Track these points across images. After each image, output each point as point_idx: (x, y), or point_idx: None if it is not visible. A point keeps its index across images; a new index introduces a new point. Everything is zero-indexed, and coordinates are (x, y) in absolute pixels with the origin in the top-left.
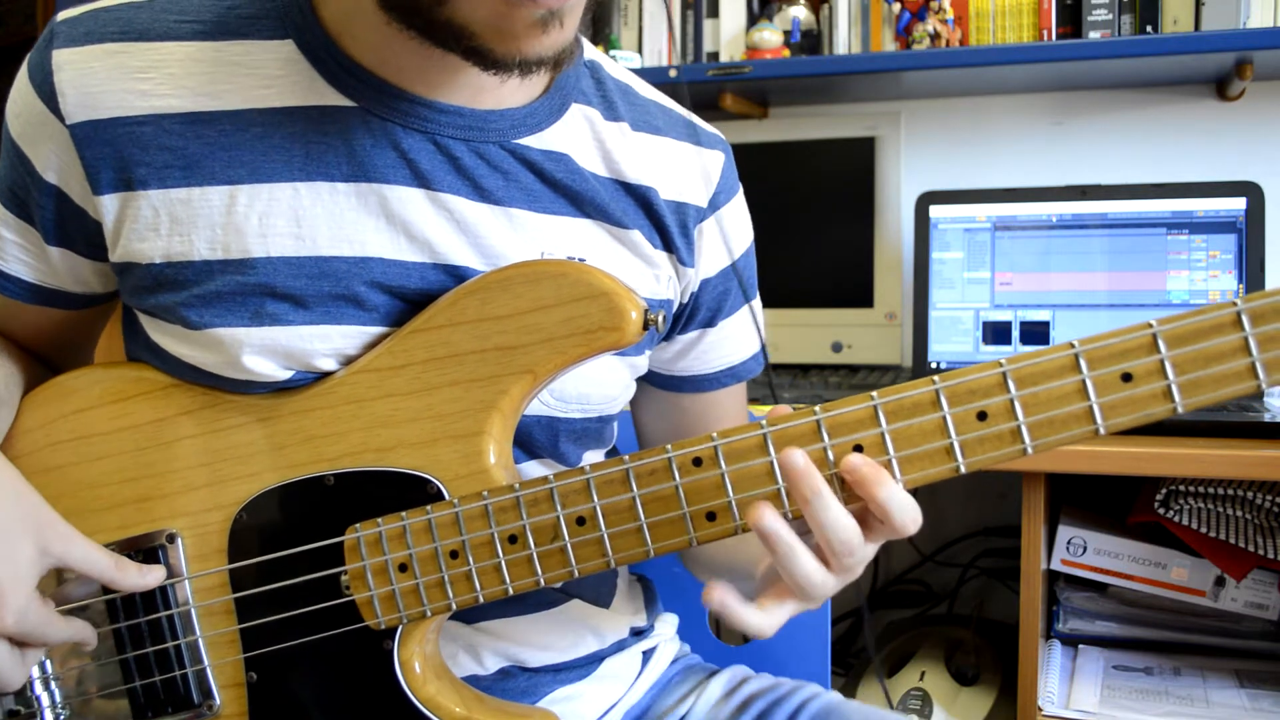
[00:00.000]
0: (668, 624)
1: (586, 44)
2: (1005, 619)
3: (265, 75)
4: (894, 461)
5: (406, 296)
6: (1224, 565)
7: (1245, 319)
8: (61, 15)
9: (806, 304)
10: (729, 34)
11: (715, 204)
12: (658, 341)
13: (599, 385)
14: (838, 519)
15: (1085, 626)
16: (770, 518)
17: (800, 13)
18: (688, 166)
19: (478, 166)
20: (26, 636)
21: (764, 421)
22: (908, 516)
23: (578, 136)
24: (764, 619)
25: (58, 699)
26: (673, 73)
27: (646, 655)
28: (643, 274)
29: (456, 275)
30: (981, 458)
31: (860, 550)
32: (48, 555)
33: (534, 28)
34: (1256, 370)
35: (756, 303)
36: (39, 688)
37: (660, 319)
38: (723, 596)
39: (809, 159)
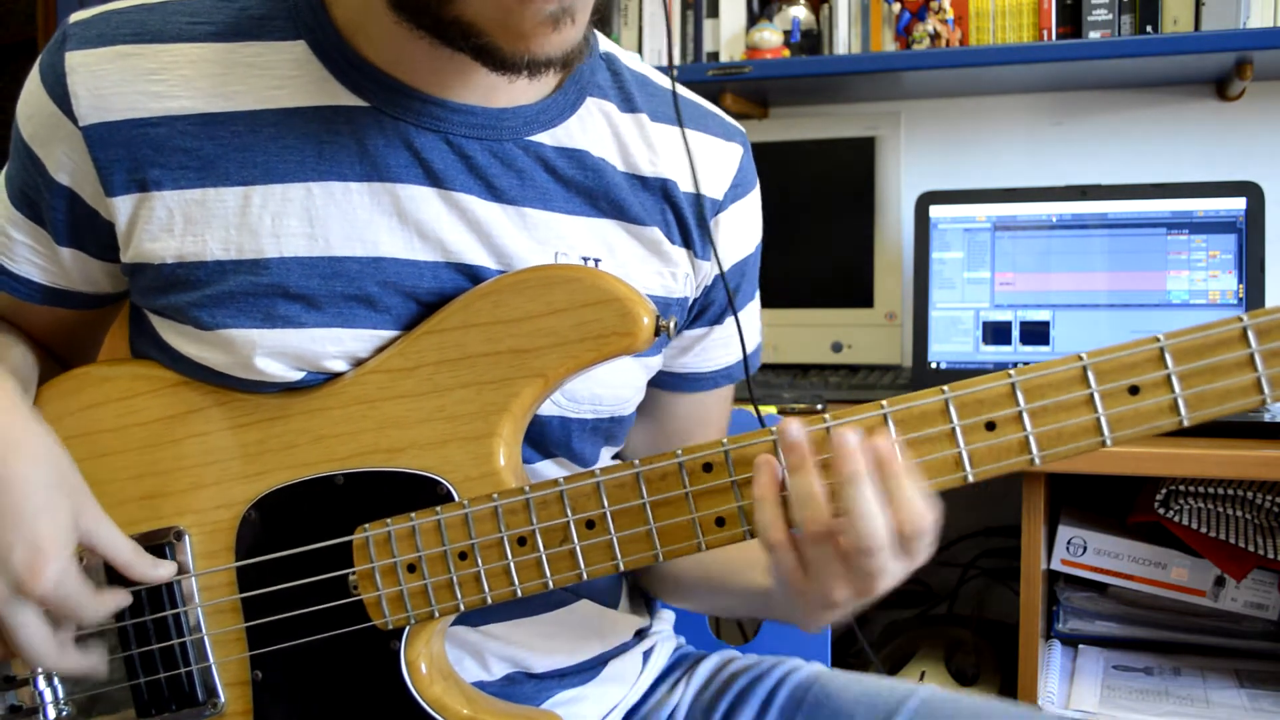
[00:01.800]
0: (664, 621)
1: (601, 37)
2: (1005, 619)
3: (278, 76)
4: None
5: (419, 297)
6: (1224, 565)
7: (1251, 334)
8: (74, 17)
9: (806, 304)
10: (729, 34)
11: (733, 197)
12: (669, 342)
13: (611, 387)
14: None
15: (1085, 626)
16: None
17: (800, 13)
18: (707, 157)
19: (491, 165)
20: (63, 603)
21: (774, 429)
22: (923, 523)
23: (594, 131)
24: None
25: (60, 695)
26: (673, 73)
27: (646, 655)
28: (659, 272)
29: (470, 275)
30: (990, 467)
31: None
32: (80, 527)
33: (544, 25)
34: (1261, 385)
35: (755, 302)
36: (41, 683)
37: (672, 324)
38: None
39: (809, 159)
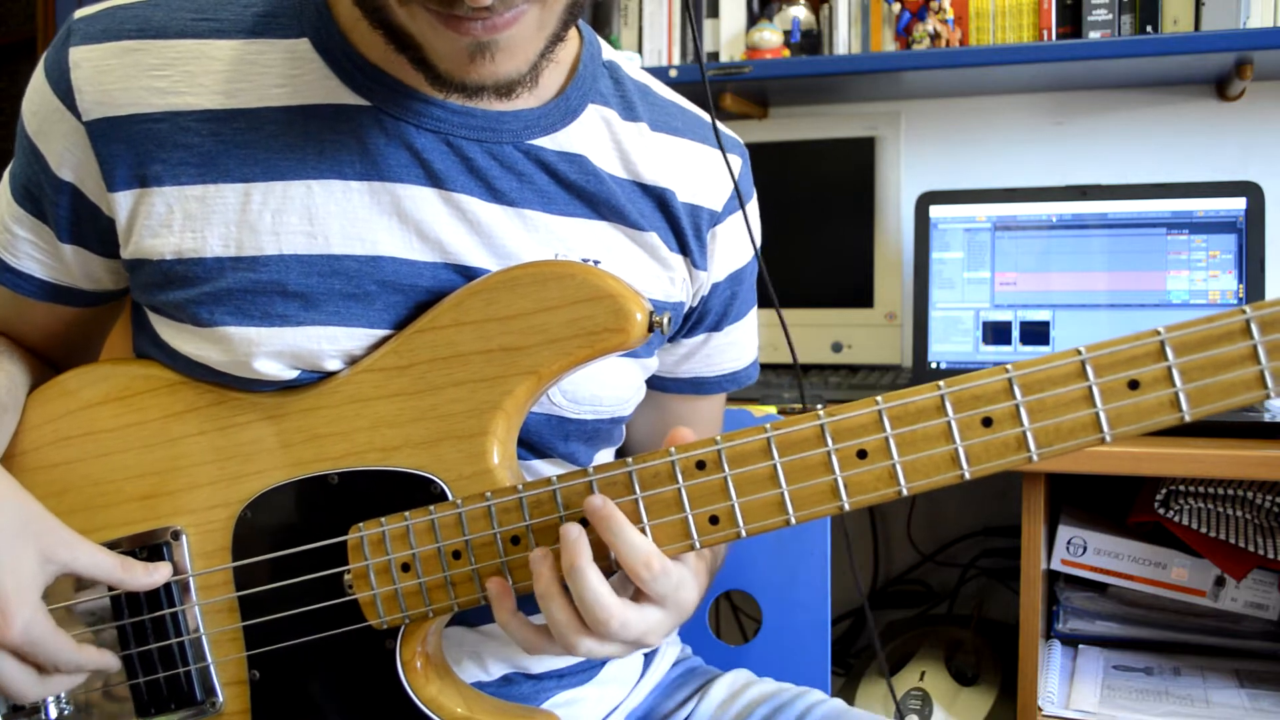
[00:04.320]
0: None
1: (605, 44)
2: (1005, 619)
3: (281, 74)
4: (898, 466)
5: (418, 297)
6: (1224, 565)
7: (1254, 327)
8: (79, 13)
9: (806, 304)
10: (729, 34)
11: (731, 208)
12: (664, 342)
13: (611, 387)
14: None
15: (1085, 626)
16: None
17: (800, 13)
18: (705, 169)
19: (491, 167)
20: (34, 649)
21: (768, 425)
22: (638, 559)
23: (595, 137)
24: (520, 630)
25: (61, 694)
26: (673, 72)
27: (648, 658)
28: (658, 276)
29: (469, 275)
30: (987, 465)
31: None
32: (51, 563)
33: (462, 54)
34: (1265, 378)
35: (754, 311)
36: None
37: (666, 321)
38: (500, 589)
39: (809, 159)
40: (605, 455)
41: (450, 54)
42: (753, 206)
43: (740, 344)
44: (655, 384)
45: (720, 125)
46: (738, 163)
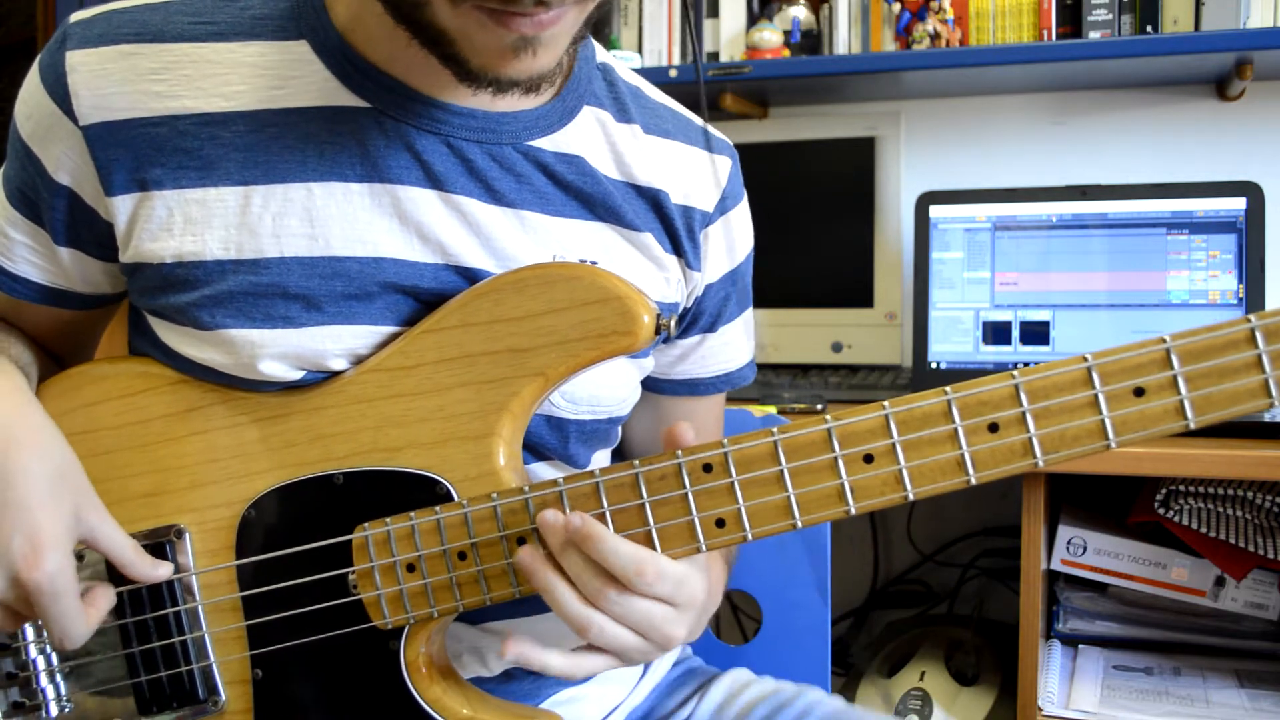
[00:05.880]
0: None
1: (598, 46)
2: (1005, 619)
3: (279, 76)
4: (904, 472)
5: (420, 297)
6: (1224, 565)
7: (1259, 336)
8: (75, 17)
9: (806, 304)
10: (729, 34)
11: (721, 209)
12: (661, 343)
13: (610, 388)
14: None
15: (1085, 626)
16: (526, 555)
17: (800, 13)
18: (697, 171)
19: (490, 169)
20: (51, 601)
21: (775, 430)
22: (629, 569)
23: (590, 138)
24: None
25: (63, 692)
26: (673, 72)
27: None
28: (654, 277)
29: (469, 276)
30: (993, 471)
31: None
32: (82, 523)
33: (506, 50)
34: (1269, 387)
35: (749, 312)
36: (44, 680)
37: (672, 323)
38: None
39: (809, 159)
40: (603, 456)
41: (492, 49)
42: (743, 207)
43: (734, 344)
44: (651, 386)
45: (711, 128)
46: (727, 164)
